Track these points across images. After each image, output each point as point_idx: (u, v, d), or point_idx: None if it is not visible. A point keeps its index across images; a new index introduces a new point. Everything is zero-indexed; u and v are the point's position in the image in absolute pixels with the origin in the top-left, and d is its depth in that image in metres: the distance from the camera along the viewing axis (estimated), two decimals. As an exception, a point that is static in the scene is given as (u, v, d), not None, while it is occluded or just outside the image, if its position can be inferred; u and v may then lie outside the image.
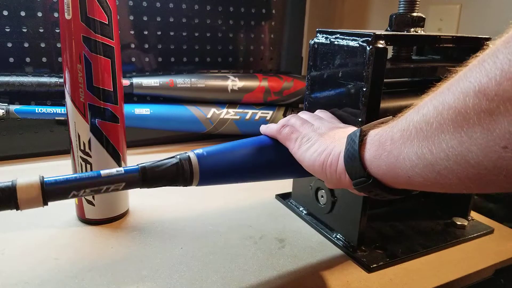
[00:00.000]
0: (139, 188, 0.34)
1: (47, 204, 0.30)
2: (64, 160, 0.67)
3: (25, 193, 0.29)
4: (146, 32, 0.73)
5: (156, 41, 0.74)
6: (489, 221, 0.52)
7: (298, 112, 0.76)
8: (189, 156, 0.36)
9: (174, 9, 0.74)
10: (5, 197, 0.29)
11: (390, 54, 0.43)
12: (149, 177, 0.34)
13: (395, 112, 0.45)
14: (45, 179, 0.30)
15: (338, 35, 0.43)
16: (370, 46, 0.39)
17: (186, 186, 0.36)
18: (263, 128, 0.42)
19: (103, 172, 0.33)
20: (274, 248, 0.45)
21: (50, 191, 0.30)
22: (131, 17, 0.71)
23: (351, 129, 0.37)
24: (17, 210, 0.29)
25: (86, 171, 0.45)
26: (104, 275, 0.39)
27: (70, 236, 0.45)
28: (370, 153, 0.30)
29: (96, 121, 0.44)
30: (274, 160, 0.40)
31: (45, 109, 0.63)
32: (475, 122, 0.21)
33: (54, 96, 0.67)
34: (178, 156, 0.36)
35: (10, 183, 0.29)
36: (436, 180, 0.25)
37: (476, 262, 0.44)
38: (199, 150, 0.37)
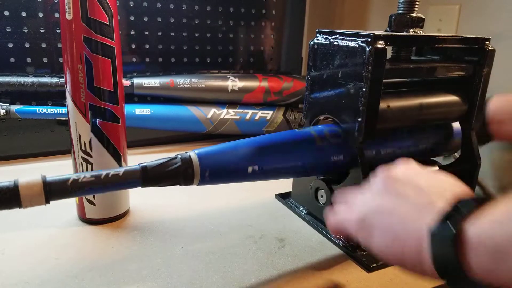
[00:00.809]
0: (140, 188, 0.34)
1: (49, 203, 0.31)
2: (65, 160, 0.67)
3: (27, 191, 0.29)
4: (146, 33, 0.73)
5: (157, 41, 0.74)
6: (488, 221, 0.52)
7: (299, 112, 0.76)
8: (190, 156, 0.36)
9: (174, 9, 0.75)
10: (8, 195, 0.29)
11: (389, 54, 0.43)
12: (150, 177, 0.34)
13: (395, 112, 0.45)
14: (47, 178, 0.31)
15: (337, 36, 0.43)
16: (370, 47, 0.39)
17: (187, 185, 0.36)
18: (333, 228, 0.35)
19: (105, 171, 0.33)
20: (274, 248, 0.45)
21: (52, 190, 0.31)
22: (132, 18, 0.72)
23: (424, 205, 0.27)
24: (19, 208, 0.30)
25: (87, 171, 0.45)
26: (105, 275, 0.39)
27: (70, 236, 0.46)
28: (480, 265, 0.22)
29: (97, 121, 0.44)
30: (275, 159, 0.40)
31: (46, 109, 0.64)
32: None
33: (55, 96, 0.68)
34: (179, 156, 0.36)
35: (13, 181, 0.29)
36: None
37: (476, 262, 0.44)
38: (200, 150, 0.37)
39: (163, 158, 0.35)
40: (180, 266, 0.41)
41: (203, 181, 0.37)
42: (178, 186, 0.36)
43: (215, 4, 0.78)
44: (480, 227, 0.23)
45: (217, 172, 0.37)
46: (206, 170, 0.36)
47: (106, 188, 0.33)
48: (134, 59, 0.74)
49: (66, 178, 0.31)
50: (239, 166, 0.38)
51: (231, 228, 0.48)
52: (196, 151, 0.37)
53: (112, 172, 0.33)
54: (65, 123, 0.66)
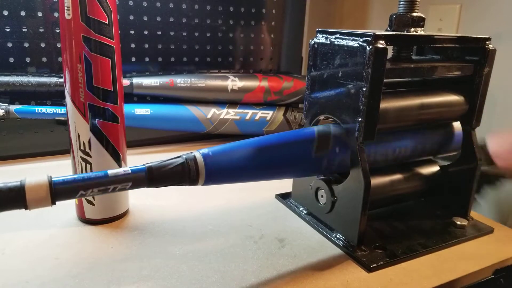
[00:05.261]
0: (145, 188, 0.34)
1: (55, 204, 0.30)
2: (64, 160, 0.67)
3: (33, 192, 0.29)
4: (146, 32, 0.73)
5: (156, 41, 0.74)
6: (489, 221, 0.52)
7: (299, 112, 0.76)
8: (195, 156, 0.36)
9: (174, 9, 0.74)
10: (14, 196, 0.29)
11: (390, 54, 0.43)
12: (156, 177, 0.34)
13: (395, 112, 0.45)
14: (53, 179, 0.30)
15: (338, 35, 0.43)
16: (370, 46, 0.39)
17: (192, 185, 0.36)
18: None
19: (110, 172, 0.33)
20: (274, 248, 0.45)
21: (58, 191, 0.30)
22: (131, 17, 0.71)
23: None
24: (25, 209, 0.30)
25: (86, 171, 0.45)
26: (104, 275, 0.39)
27: (70, 236, 0.45)
28: None
29: (96, 121, 0.44)
30: (279, 159, 0.40)
31: (45, 109, 0.63)
32: None
33: (54, 96, 0.67)
34: (184, 156, 0.36)
35: (19, 182, 0.29)
36: None
37: (476, 262, 0.44)
38: (205, 150, 0.37)
39: (168, 159, 0.35)
40: (180, 266, 0.41)
41: (208, 181, 0.37)
42: (178, 186, 0.36)
43: (215, 4, 0.78)
44: None
45: (222, 172, 0.37)
46: (211, 170, 0.36)
47: (112, 189, 0.33)
48: (133, 59, 0.73)
49: (72, 179, 0.31)
50: (243, 166, 0.38)
51: (231, 228, 0.48)
52: (201, 151, 0.37)
53: (118, 172, 0.33)
54: (64, 123, 0.66)
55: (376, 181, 0.48)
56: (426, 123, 0.50)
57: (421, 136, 0.50)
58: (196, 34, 0.78)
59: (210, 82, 0.75)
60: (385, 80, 0.40)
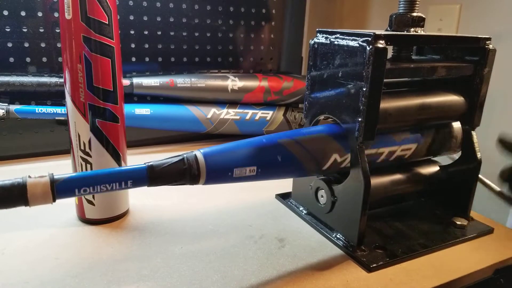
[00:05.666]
0: (140, 187, 0.34)
1: (55, 201, 0.31)
2: (64, 160, 0.67)
3: (35, 189, 0.29)
4: (146, 32, 0.73)
5: (156, 41, 0.74)
6: (489, 221, 0.52)
7: (299, 112, 0.76)
8: (195, 155, 0.36)
9: (174, 9, 0.74)
10: (15, 193, 0.29)
11: (390, 54, 0.43)
12: (157, 176, 0.34)
13: (395, 112, 0.45)
14: (54, 176, 0.31)
15: (338, 35, 0.43)
16: (370, 46, 0.39)
17: (193, 184, 0.36)
18: None
19: (111, 170, 0.33)
20: (274, 247, 0.45)
21: (60, 188, 0.31)
22: (131, 17, 0.71)
23: None
24: (25, 206, 0.30)
25: (86, 171, 0.45)
26: (104, 275, 0.39)
27: (70, 236, 0.45)
28: None
29: (96, 121, 0.44)
30: (279, 159, 0.40)
31: (45, 109, 0.63)
32: None
33: (54, 96, 0.67)
34: (185, 155, 0.36)
35: (21, 179, 0.29)
36: None
37: (476, 262, 0.44)
38: (206, 149, 0.37)
39: (168, 158, 0.35)
40: (180, 266, 0.41)
41: (209, 180, 0.37)
42: (178, 186, 0.36)
43: (215, 4, 0.78)
44: None
45: (222, 171, 0.37)
46: (212, 170, 0.36)
47: (113, 187, 0.33)
48: (133, 59, 0.73)
49: (73, 176, 0.31)
50: (244, 165, 0.38)
51: (231, 228, 0.48)
52: (202, 151, 0.37)
53: (118, 171, 0.33)
54: (65, 123, 0.66)
55: (376, 181, 0.48)
56: (426, 123, 0.50)
57: (421, 136, 0.50)
58: (196, 34, 0.78)
59: (210, 82, 0.75)
60: (385, 80, 0.40)
